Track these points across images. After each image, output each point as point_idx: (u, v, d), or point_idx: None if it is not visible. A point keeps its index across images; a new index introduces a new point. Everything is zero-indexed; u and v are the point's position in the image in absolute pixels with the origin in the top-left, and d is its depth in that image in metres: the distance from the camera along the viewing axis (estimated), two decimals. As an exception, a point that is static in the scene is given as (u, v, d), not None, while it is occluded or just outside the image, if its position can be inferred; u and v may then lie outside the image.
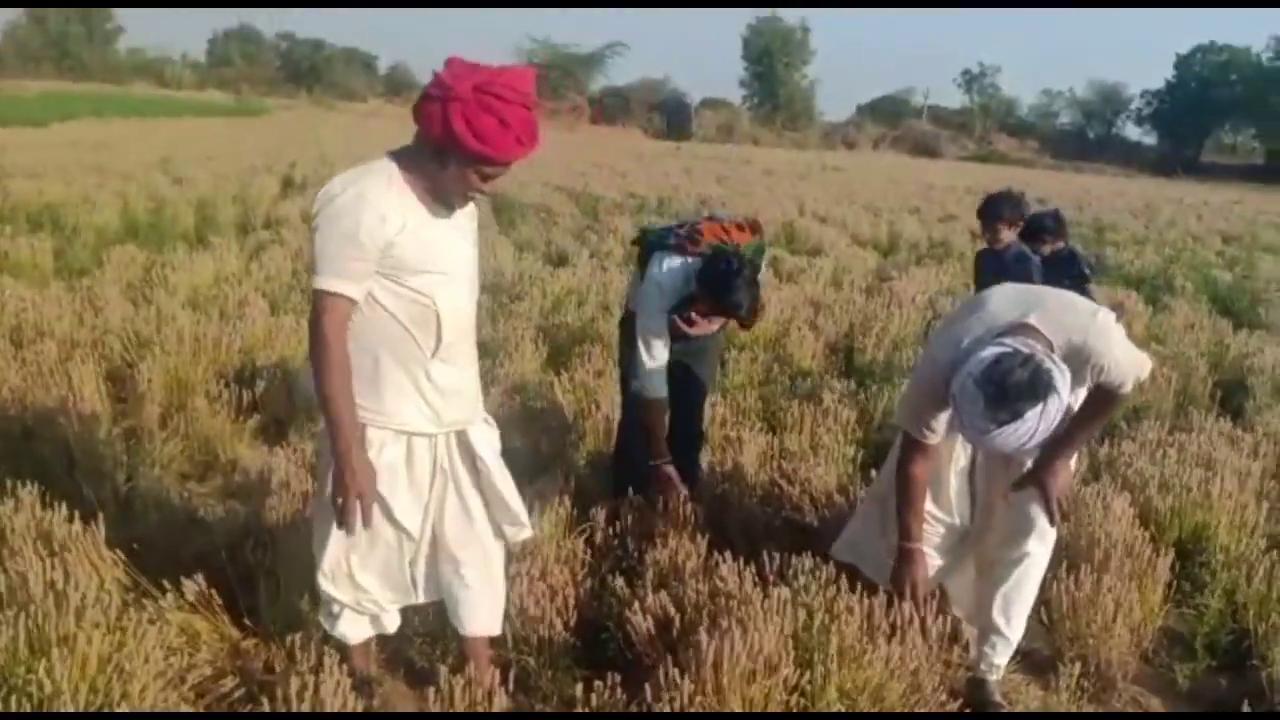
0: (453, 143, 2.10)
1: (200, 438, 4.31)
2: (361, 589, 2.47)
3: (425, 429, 2.34)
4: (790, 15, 71.61)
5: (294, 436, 4.28)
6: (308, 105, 51.78)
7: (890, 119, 66.38)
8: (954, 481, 2.84)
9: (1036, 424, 2.17)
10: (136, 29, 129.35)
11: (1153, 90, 67.74)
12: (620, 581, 2.99)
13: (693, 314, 3.26)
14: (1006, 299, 2.49)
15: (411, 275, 2.21)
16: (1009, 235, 4.63)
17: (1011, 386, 2.15)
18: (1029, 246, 4.78)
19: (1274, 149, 59.37)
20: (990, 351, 2.23)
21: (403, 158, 2.23)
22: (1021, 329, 2.36)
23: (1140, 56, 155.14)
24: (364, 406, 2.26)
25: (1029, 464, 2.70)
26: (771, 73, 64.67)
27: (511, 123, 2.09)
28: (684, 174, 22.16)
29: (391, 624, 2.62)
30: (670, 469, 3.35)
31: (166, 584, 2.74)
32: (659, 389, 3.31)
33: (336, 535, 2.36)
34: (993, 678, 2.89)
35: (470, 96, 2.06)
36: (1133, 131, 70.57)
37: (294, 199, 11.65)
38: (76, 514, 2.96)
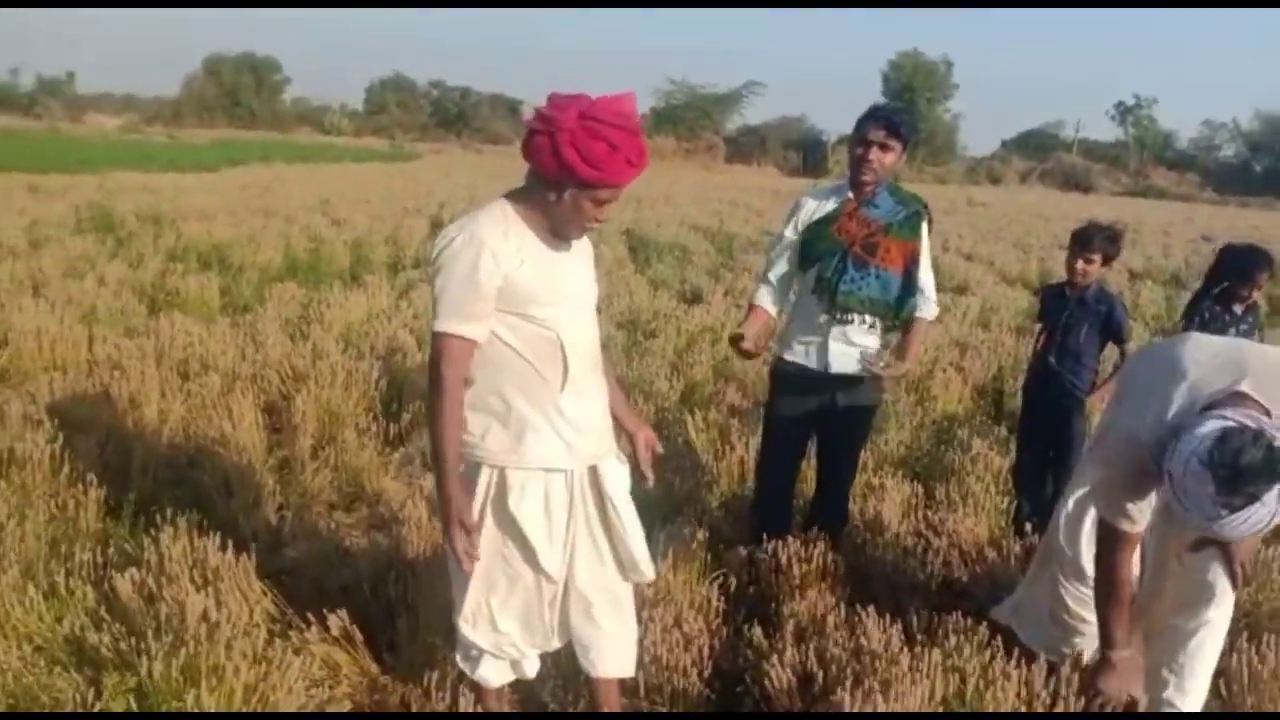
0: (566, 172, 2.12)
1: (348, 469, 4.44)
2: (502, 634, 2.45)
3: (562, 464, 2.32)
4: (932, 49, 70.36)
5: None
6: (457, 149, 54.00)
7: (1038, 152, 64.07)
8: None
9: (1275, 506, 1.89)
10: (301, 80, 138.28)
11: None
12: (758, 631, 2.89)
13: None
14: (1208, 363, 2.20)
15: (534, 308, 2.22)
16: (1095, 272, 3.99)
17: (1246, 468, 1.87)
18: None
19: None
20: (1212, 427, 1.94)
21: (517, 196, 2.27)
22: (1236, 399, 2.07)
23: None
24: (501, 449, 2.27)
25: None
26: (914, 107, 63.52)
27: (620, 145, 2.11)
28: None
29: (531, 669, 2.59)
30: None
31: (311, 616, 2.81)
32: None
33: (477, 578, 2.36)
34: None
35: (576, 125, 2.08)
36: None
37: (442, 239, 12.06)
38: (230, 543, 3.08)
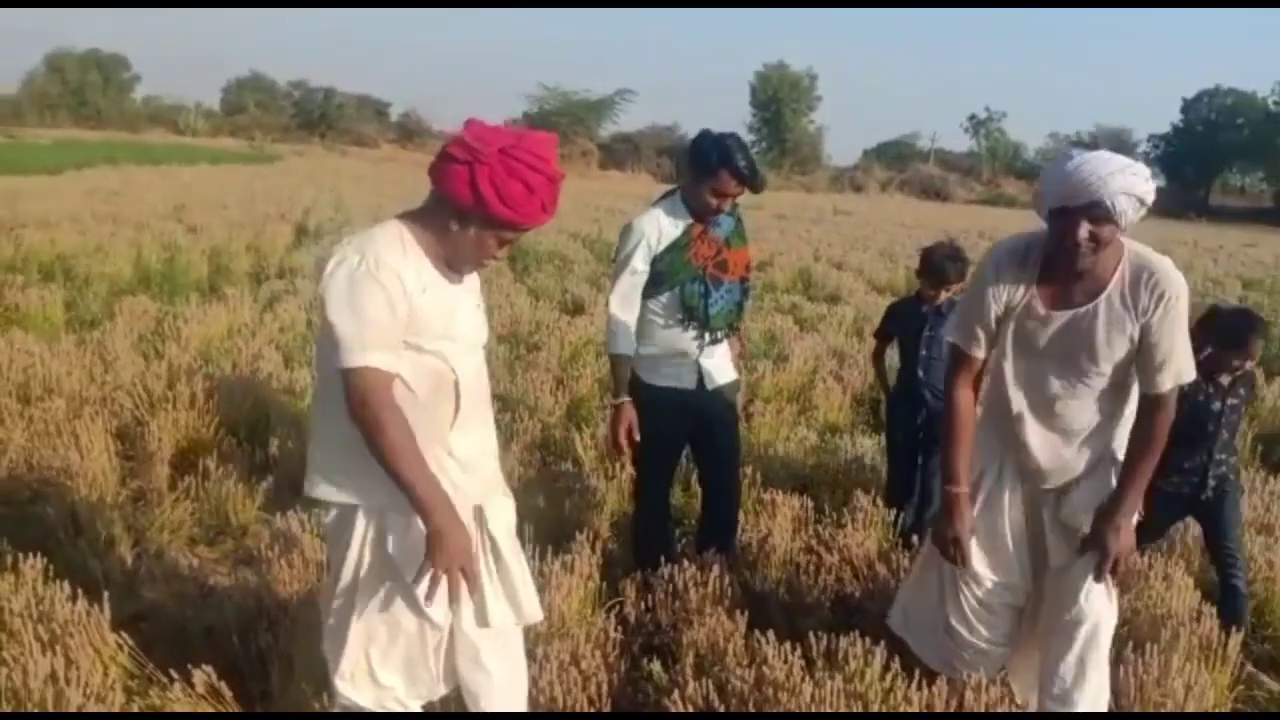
0: (479, 207, 2.03)
1: (211, 500, 4.14)
2: (384, 688, 2.28)
3: None
4: (797, 62, 72.42)
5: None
6: (321, 151, 52.28)
7: (897, 162, 66.73)
8: (1010, 535, 2.64)
9: (1122, 167, 2.25)
10: (152, 78, 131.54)
11: (1159, 134, 68.18)
12: (656, 666, 2.80)
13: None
14: None
15: (429, 340, 2.10)
16: (949, 292, 4.12)
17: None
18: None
19: (1283, 191, 59.36)
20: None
21: (415, 219, 2.14)
22: None
23: (1146, 101, 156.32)
24: (382, 491, 2.09)
25: (1088, 527, 2.52)
26: (779, 119, 65.16)
27: (537, 190, 2.05)
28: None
29: None
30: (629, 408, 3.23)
31: (174, 671, 2.56)
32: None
33: (356, 631, 2.21)
34: None
35: (496, 161, 2.00)
36: (1141, 175, 70.72)
37: (308, 247, 11.59)
38: (80, 590, 2.80)
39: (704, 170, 3.10)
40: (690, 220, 3.21)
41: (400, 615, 2.21)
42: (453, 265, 2.15)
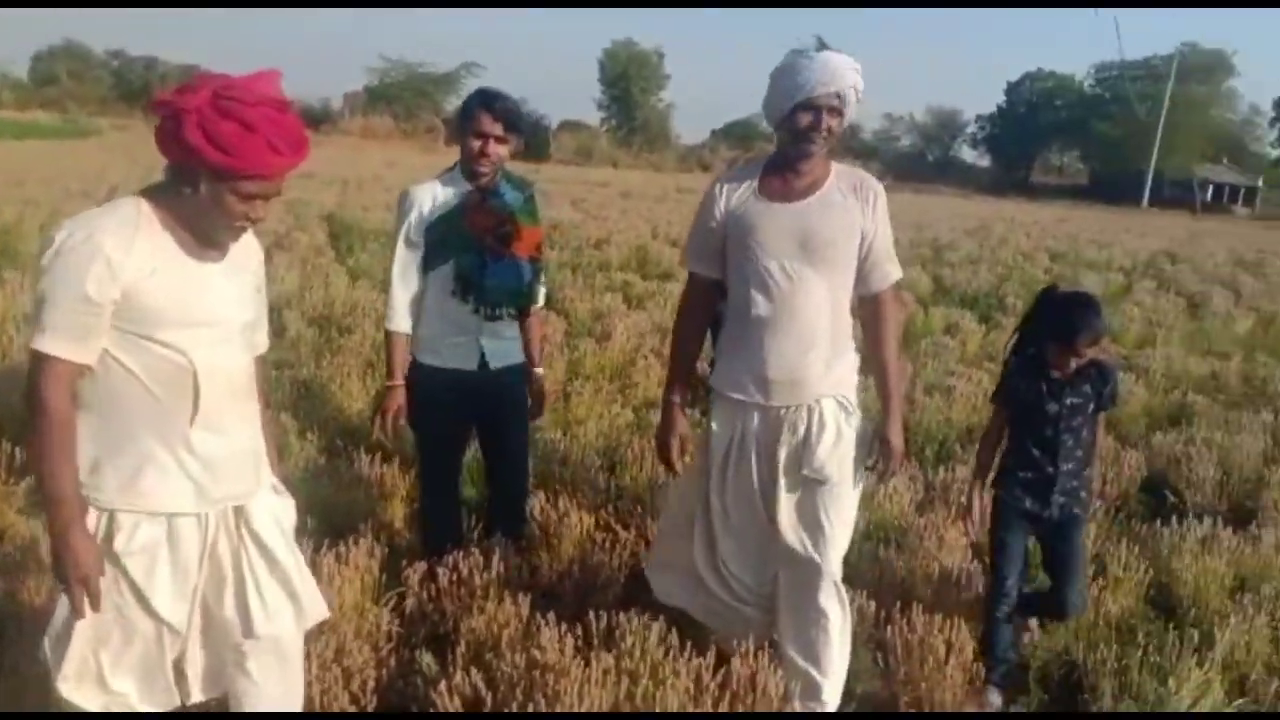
0: (193, 158, 1.83)
1: (-37, 505, 3.79)
2: (115, 694, 2.09)
3: (188, 508, 2.03)
4: (645, 40, 72.70)
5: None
6: (143, 125, 49.08)
7: (742, 142, 68.02)
8: (751, 504, 2.71)
9: (851, 64, 2.51)
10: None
11: (985, 115, 71.90)
12: (428, 657, 2.72)
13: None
14: None
15: (162, 329, 1.92)
16: None
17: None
18: None
19: (1097, 170, 63.71)
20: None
21: (155, 192, 1.94)
22: None
23: (974, 83, 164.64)
24: (111, 489, 1.95)
25: (823, 474, 2.60)
26: (628, 96, 65.33)
27: (258, 127, 1.82)
28: (539, 196, 21.88)
29: None
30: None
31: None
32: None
33: (81, 631, 2.01)
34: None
35: (205, 105, 1.81)
36: (968, 154, 74.65)
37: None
38: None
39: (464, 117, 3.06)
40: (468, 188, 3.10)
41: (134, 616, 2.04)
42: (200, 238, 1.95)
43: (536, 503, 3.72)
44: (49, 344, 1.83)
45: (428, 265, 3.09)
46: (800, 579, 2.65)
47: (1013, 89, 69.71)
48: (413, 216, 3.05)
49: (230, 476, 2.07)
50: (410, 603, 3.04)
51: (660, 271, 11.23)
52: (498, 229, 3.11)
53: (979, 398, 5.73)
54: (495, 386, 3.21)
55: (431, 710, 2.48)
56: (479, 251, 3.07)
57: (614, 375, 6.18)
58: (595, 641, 2.70)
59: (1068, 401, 2.99)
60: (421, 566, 3.13)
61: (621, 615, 2.79)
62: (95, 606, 1.94)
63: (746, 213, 2.62)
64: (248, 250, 2.12)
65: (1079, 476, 3.04)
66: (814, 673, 2.66)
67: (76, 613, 1.94)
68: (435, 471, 3.33)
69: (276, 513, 2.20)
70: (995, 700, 2.98)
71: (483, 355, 3.17)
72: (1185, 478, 4.76)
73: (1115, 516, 4.26)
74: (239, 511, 2.12)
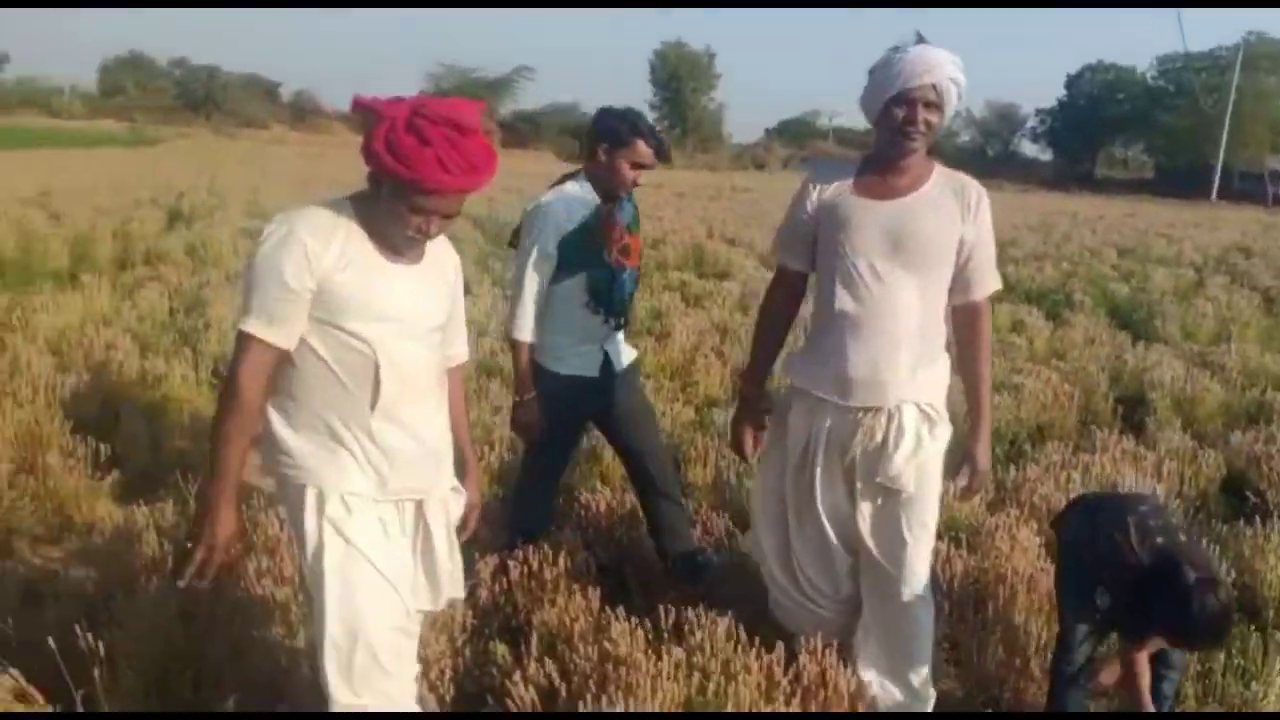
0: (378, 167, 1.93)
1: (54, 497, 3.93)
2: (378, 690, 2.13)
3: (369, 493, 2.09)
4: (696, 40, 72.64)
5: (161, 492, 3.94)
6: (207, 133, 50.31)
7: (797, 140, 67.66)
8: (843, 508, 2.65)
9: (950, 57, 2.42)
10: (24, 58, 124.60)
11: (1045, 109, 70.58)
12: (503, 647, 2.76)
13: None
14: None
15: (349, 319, 2.00)
16: None
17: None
18: None
19: (1162, 163, 62.18)
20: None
21: (359, 196, 2.06)
22: None
23: (1033, 77, 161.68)
24: (310, 467, 2.05)
25: (899, 484, 2.53)
26: (680, 97, 65.35)
27: (434, 143, 1.88)
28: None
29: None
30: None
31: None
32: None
33: (337, 615, 2.06)
34: None
35: (400, 118, 1.91)
36: (1029, 149, 73.34)
37: (179, 232, 11.11)
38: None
39: (618, 143, 3.06)
40: (598, 202, 3.14)
41: (364, 582, 2.08)
42: (386, 241, 2.03)
43: (601, 498, 3.75)
44: (249, 325, 1.96)
45: (556, 276, 3.12)
46: (883, 588, 2.60)
47: (1073, 82, 68.39)
48: (549, 230, 3.07)
49: (407, 470, 2.12)
50: (483, 595, 3.07)
51: (717, 270, 11.21)
52: (620, 242, 3.18)
53: (1048, 395, 5.63)
54: (621, 387, 3.30)
55: (508, 700, 2.50)
56: (608, 265, 3.13)
57: (674, 374, 6.18)
58: (665, 635, 2.71)
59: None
60: (493, 559, 3.17)
61: (690, 610, 2.80)
62: (206, 574, 2.01)
63: (839, 207, 2.54)
64: (444, 259, 2.22)
65: None
66: (896, 678, 2.64)
67: (194, 577, 2.01)
68: (549, 465, 3.36)
69: (450, 509, 2.29)
70: None
71: (606, 361, 3.24)
72: (1266, 477, 4.62)
73: (1195, 517, 4.15)
74: (419, 506, 2.20)
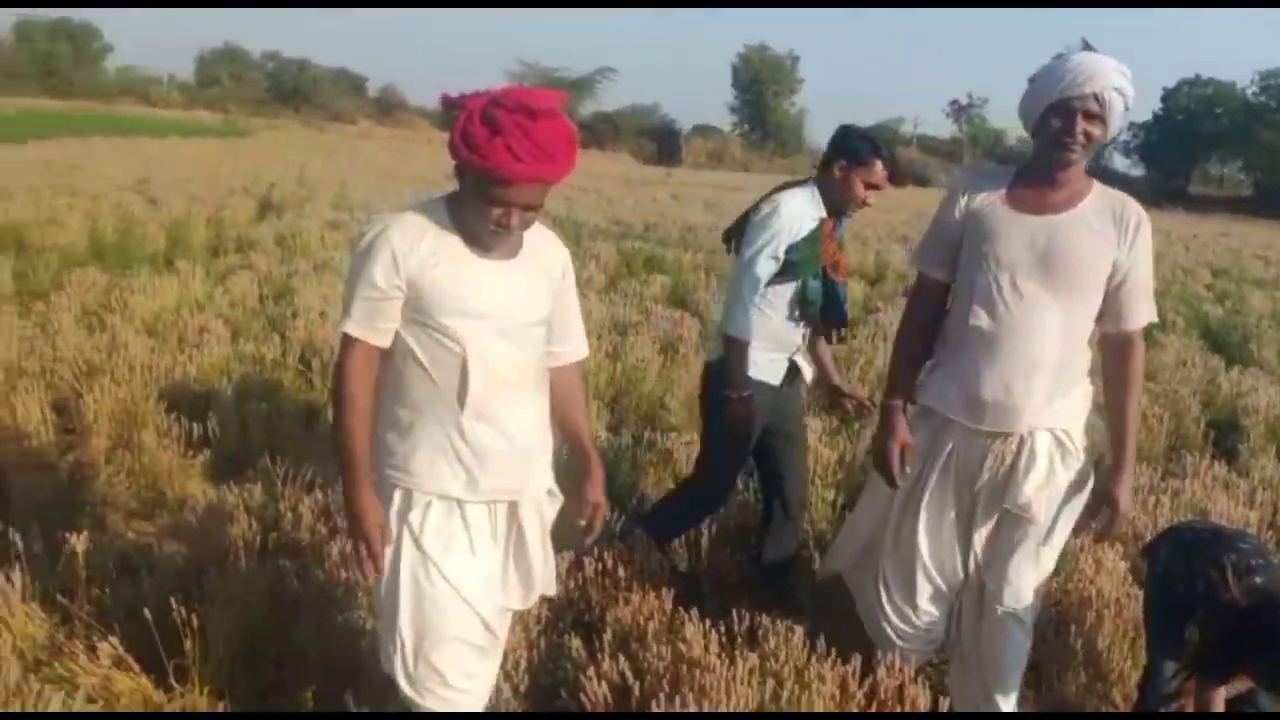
0: (455, 157, 1.92)
1: (148, 474, 4.09)
2: (453, 687, 2.14)
3: (459, 494, 2.07)
4: (779, 44, 72.31)
5: (250, 473, 4.07)
6: (296, 126, 51.68)
7: (879, 147, 66.75)
8: (945, 534, 2.58)
9: (1116, 65, 2.28)
10: (125, 48, 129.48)
11: (1139, 123, 68.49)
12: (578, 642, 2.79)
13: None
14: None
15: (439, 316, 2.00)
16: None
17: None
18: None
19: (1261, 181, 59.93)
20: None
21: (452, 194, 2.06)
22: None
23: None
24: (401, 465, 2.07)
25: (1029, 513, 2.43)
26: (761, 100, 65.11)
27: (506, 131, 1.84)
28: (672, 200, 22.07)
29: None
30: None
31: (80, 644, 2.52)
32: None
33: (406, 614, 2.08)
34: None
35: (477, 108, 1.89)
36: (1120, 163, 71.21)
37: (270, 221, 11.44)
38: (-5, 563, 2.75)
39: (857, 160, 3.09)
40: (824, 214, 3.16)
41: (435, 593, 2.08)
42: (476, 239, 2.01)
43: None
44: (346, 325, 2.01)
45: (771, 281, 3.13)
46: (990, 615, 2.52)
47: (1169, 96, 66.33)
48: (784, 234, 3.08)
49: (499, 470, 2.08)
50: (558, 590, 3.10)
51: (794, 277, 11.10)
52: (833, 255, 3.21)
53: (1140, 416, 5.47)
54: (794, 401, 3.34)
55: (581, 695, 2.53)
56: (824, 277, 3.16)
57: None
58: (739, 640, 2.71)
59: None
60: (569, 555, 3.20)
61: (764, 616, 2.79)
62: (376, 566, 2.05)
63: (987, 217, 2.42)
64: (548, 254, 2.17)
65: None
66: (985, 704, 2.58)
67: (364, 571, 2.07)
68: (733, 471, 3.37)
69: (544, 512, 2.24)
70: None
71: (791, 370, 3.26)
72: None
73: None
74: (511, 507, 2.16)
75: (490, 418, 2.05)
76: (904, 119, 76.27)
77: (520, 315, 2.08)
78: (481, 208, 1.94)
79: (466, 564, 2.09)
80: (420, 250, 1.97)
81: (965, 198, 2.48)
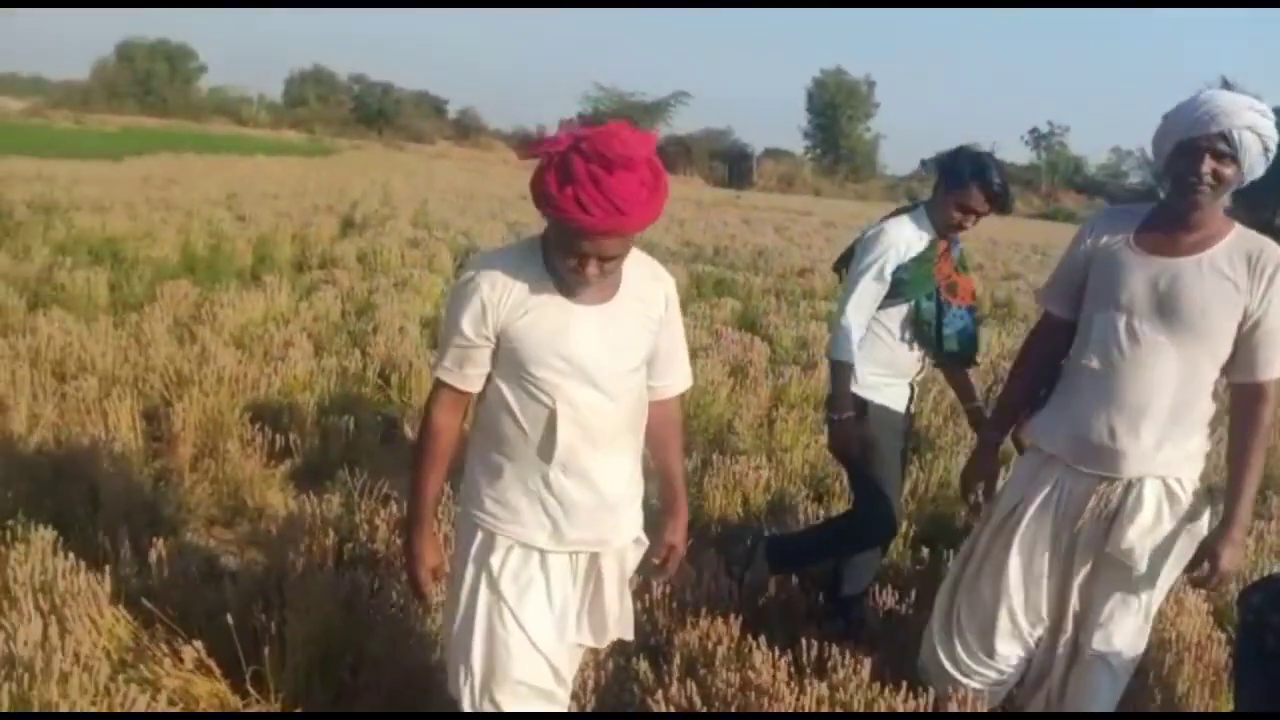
0: (535, 203, 1.87)
1: (230, 482, 4.22)
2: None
3: (540, 543, 2.04)
4: (856, 69, 71.97)
5: (328, 484, 4.17)
6: (378, 146, 52.99)
7: (954, 174, 65.78)
8: (1036, 571, 2.51)
9: (1251, 104, 2.22)
10: (218, 69, 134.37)
11: (1226, 152, 66.27)
12: (645, 665, 2.79)
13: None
14: None
15: (530, 366, 1.96)
16: None
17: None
18: None
19: (1357, 215, 57.55)
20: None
21: (546, 232, 1.99)
22: None
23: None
24: (486, 509, 2.07)
25: (1130, 559, 2.35)
26: (835, 125, 64.77)
27: (578, 181, 1.77)
28: (742, 223, 22.08)
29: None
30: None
31: (164, 647, 2.62)
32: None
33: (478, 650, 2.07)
34: None
35: (557, 154, 1.82)
36: (1205, 194, 69.05)
37: (352, 239, 11.75)
38: (84, 564, 2.86)
39: (954, 183, 3.09)
40: (934, 235, 3.16)
41: (509, 638, 2.06)
42: (562, 284, 1.96)
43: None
44: (438, 370, 2.05)
45: (883, 303, 3.13)
46: (1079, 667, 2.46)
47: (1259, 124, 64.08)
48: (890, 255, 3.09)
49: (585, 523, 2.05)
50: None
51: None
52: (949, 279, 3.19)
53: (1218, 454, 5.28)
54: (910, 429, 3.36)
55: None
56: (937, 300, 3.15)
57: (819, 404, 6.11)
58: (807, 669, 2.69)
59: None
60: (636, 579, 3.21)
61: (833, 646, 2.76)
62: (423, 603, 2.19)
63: (1112, 257, 2.38)
64: (648, 290, 2.08)
65: None
66: None
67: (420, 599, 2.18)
68: (880, 492, 3.27)
69: (626, 560, 2.21)
70: None
71: (910, 399, 3.27)
72: None
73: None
74: (593, 556, 2.13)
75: (579, 470, 2.01)
76: (980, 145, 74.97)
77: (615, 364, 2.01)
78: (560, 255, 1.90)
79: (542, 610, 2.06)
80: (510, 299, 1.94)
81: (1092, 236, 2.46)
